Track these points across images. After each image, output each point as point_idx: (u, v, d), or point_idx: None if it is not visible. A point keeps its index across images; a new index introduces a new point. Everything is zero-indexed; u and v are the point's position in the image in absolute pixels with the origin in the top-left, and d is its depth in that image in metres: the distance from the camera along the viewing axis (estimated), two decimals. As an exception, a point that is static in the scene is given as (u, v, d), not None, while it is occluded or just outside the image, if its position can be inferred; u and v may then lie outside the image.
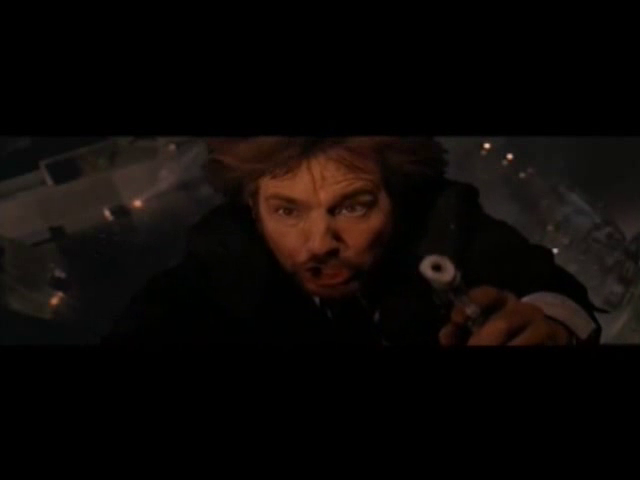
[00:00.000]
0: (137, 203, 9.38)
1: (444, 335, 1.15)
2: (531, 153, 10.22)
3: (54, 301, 9.01)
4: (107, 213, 9.27)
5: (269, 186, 1.24)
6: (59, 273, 9.01)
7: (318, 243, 1.22)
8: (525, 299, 1.19)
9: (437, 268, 1.02)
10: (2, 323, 7.63)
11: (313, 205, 1.21)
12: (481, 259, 1.34)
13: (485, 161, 10.30)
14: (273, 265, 1.37)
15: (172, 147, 9.14)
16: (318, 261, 1.26)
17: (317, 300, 1.38)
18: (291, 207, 1.24)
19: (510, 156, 10.56)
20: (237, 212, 1.47)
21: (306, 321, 1.37)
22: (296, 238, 1.24)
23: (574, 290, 1.36)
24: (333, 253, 1.24)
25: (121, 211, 9.32)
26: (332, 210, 1.23)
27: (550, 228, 11.02)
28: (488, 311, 1.05)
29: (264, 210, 1.28)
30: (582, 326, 1.25)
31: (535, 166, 10.71)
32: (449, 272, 1.03)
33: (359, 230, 1.25)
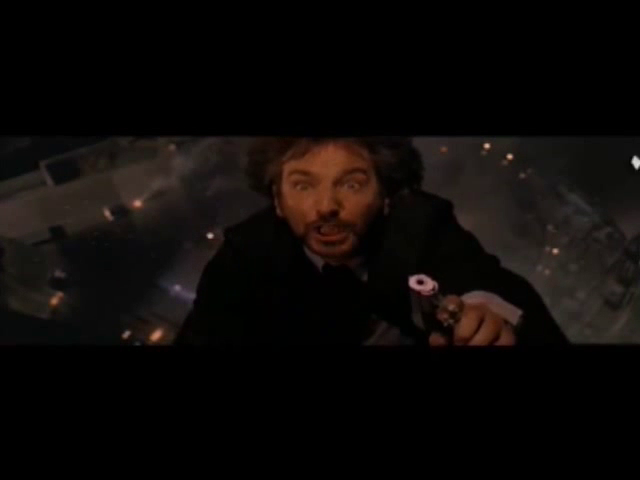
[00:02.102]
0: (137, 203, 9.39)
1: (433, 338, 1.39)
2: (531, 153, 10.24)
3: (54, 301, 9.00)
4: (107, 213, 9.27)
5: (291, 165, 1.58)
6: (59, 273, 9.01)
7: (325, 204, 1.54)
8: (463, 297, 1.42)
9: (421, 282, 1.36)
10: (2, 323, 7.63)
11: (322, 177, 1.56)
12: (439, 263, 1.64)
13: (485, 162, 10.31)
14: (294, 248, 1.73)
15: (172, 147, 9.16)
16: (323, 219, 1.57)
17: (320, 267, 1.74)
18: (306, 180, 1.58)
19: (510, 156, 10.58)
20: (263, 217, 1.82)
21: (313, 286, 1.74)
22: (308, 203, 1.58)
23: (513, 287, 1.69)
24: (334, 214, 1.56)
25: (121, 211, 9.32)
26: (336, 183, 1.56)
27: (550, 228, 11.04)
28: (459, 309, 1.33)
29: (285, 187, 1.61)
30: (510, 314, 1.47)
31: (535, 166, 10.73)
32: (430, 283, 1.36)
33: (354, 200, 1.58)
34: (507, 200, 10.46)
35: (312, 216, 1.58)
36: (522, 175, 10.77)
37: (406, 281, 1.43)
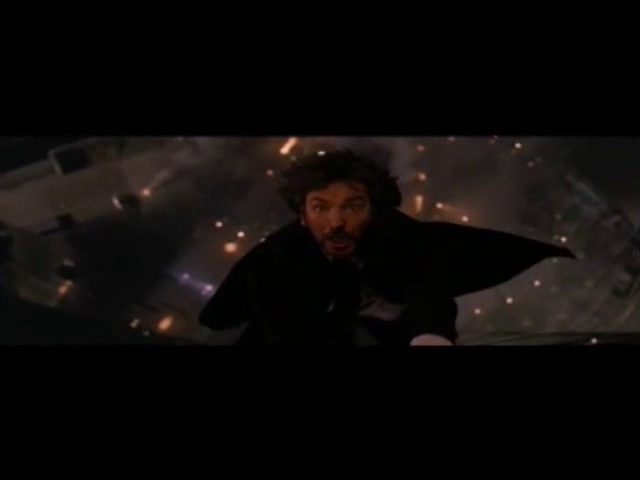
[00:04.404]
0: (146, 192, 9.40)
1: None
2: (539, 142, 10.21)
3: (63, 290, 9.03)
4: (116, 202, 9.28)
5: (312, 194, 2.22)
6: (68, 262, 9.05)
7: (334, 221, 2.16)
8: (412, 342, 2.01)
9: None
10: (11, 312, 7.65)
11: (333, 203, 2.19)
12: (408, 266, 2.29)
13: (493, 150, 10.29)
14: (313, 247, 2.32)
15: (180, 137, 9.14)
16: (334, 232, 2.17)
17: (330, 259, 2.33)
18: (322, 205, 2.21)
19: (518, 145, 10.55)
20: (292, 227, 2.40)
21: (326, 273, 2.35)
22: (324, 220, 2.20)
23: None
24: (341, 228, 2.18)
25: (130, 200, 9.32)
26: (342, 207, 2.20)
27: (558, 217, 11.03)
28: None
29: (308, 208, 2.25)
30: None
31: (543, 155, 10.70)
32: None
33: (355, 218, 2.21)
34: (515, 189, 10.45)
35: (326, 229, 2.23)
36: (530, 164, 10.74)
37: (390, 271, 2.28)
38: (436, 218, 12.13)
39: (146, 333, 9.23)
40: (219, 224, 9.96)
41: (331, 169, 2.24)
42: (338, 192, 2.23)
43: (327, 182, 2.24)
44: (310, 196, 2.27)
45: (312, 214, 2.28)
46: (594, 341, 4.14)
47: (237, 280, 2.54)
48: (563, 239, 10.94)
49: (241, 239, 10.15)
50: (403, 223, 2.51)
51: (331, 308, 2.35)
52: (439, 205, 11.80)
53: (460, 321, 2.24)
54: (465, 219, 11.21)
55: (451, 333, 2.13)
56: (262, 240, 2.55)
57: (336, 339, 2.34)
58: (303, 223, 2.36)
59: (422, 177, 11.54)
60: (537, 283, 11.81)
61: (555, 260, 10.44)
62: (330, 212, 2.24)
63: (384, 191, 2.33)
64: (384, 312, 2.42)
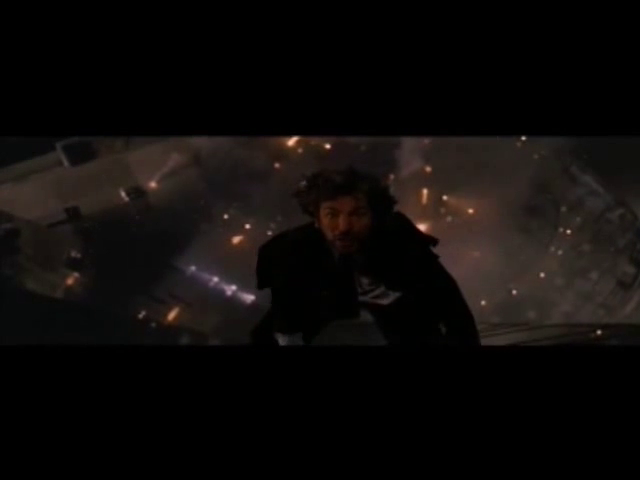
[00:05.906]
0: (152, 184, 9.43)
1: None
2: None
3: (69, 281, 9.06)
4: (123, 194, 9.31)
5: (325, 204, 2.58)
6: (75, 254, 9.09)
7: (343, 226, 2.54)
8: None
9: None
10: (18, 304, 7.68)
11: (342, 211, 2.57)
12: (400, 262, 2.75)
13: (499, 143, 10.30)
14: (323, 245, 2.68)
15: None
16: (343, 234, 2.55)
17: (337, 256, 2.69)
18: (333, 212, 2.59)
19: (524, 138, 10.54)
20: (307, 227, 2.74)
21: (334, 266, 2.73)
22: (335, 224, 2.56)
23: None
24: (349, 231, 2.55)
25: (136, 192, 9.34)
26: (349, 214, 2.57)
27: (563, 209, 11.05)
28: None
29: (322, 215, 2.62)
30: None
31: (548, 147, 10.71)
32: None
33: (360, 223, 2.57)
34: (520, 181, 10.47)
35: (336, 232, 2.62)
36: (535, 156, 10.75)
37: (386, 264, 2.66)
38: (442, 210, 12.27)
39: (153, 324, 9.27)
40: (226, 216, 9.99)
41: (340, 185, 2.64)
42: (346, 203, 2.65)
43: (336, 195, 2.65)
44: (323, 205, 2.67)
45: (325, 219, 2.69)
46: (599, 332, 4.15)
47: (265, 266, 2.88)
48: (568, 231, 10.97)
49: (248, 231, 10.21)
50: (398, 228, 2.88)
51: (337, 292, 2.77)
52: (445, 197, 11.85)
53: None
54: (470, 211, 11.25)
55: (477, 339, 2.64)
56: (282, 232, 2.98)
57: (341, 317, 2.82)
58: (316, 225, 2.76)
59: (428, 169, 11.59)
60: (542, 275, 11.88)
61: (560, 252, 10.38)
62: (340, 218, 2.66)
63: (381, 201, 2.75)
64: (382, 298, 2.85)
